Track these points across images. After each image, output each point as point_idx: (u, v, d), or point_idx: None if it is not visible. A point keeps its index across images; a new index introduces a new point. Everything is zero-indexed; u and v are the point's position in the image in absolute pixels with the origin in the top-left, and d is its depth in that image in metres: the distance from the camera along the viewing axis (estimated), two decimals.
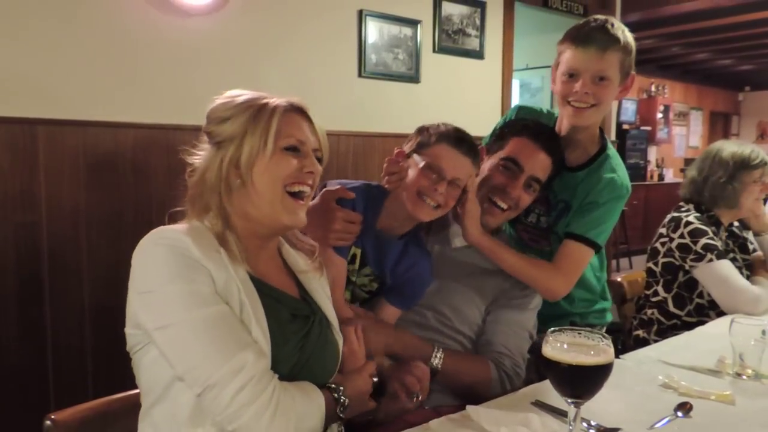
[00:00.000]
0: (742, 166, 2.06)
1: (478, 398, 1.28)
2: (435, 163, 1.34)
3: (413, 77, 3.16)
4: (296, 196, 1.07)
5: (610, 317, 1.88)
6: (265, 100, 1.07)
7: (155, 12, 2.36)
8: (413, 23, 3.13)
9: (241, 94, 1.08)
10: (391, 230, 1.42)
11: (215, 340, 0.93)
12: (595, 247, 1.56)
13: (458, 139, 1.38)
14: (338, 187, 1.35)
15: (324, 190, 1.34)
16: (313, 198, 1.20)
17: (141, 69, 2.35)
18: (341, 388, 1.08)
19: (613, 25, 1.54)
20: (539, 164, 1.52)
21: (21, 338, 2.14)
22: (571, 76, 1.55)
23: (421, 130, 1.42)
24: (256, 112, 1.05)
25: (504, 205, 1.51)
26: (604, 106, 1.57)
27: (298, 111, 1.09)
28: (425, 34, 3.19)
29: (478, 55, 3.45)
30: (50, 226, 2.17)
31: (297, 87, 2.74)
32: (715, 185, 2.07)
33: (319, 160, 1.11)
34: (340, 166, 2.91)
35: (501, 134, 1.60)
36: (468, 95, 3.40)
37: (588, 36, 1.52)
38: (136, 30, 2.33)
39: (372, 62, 2.98)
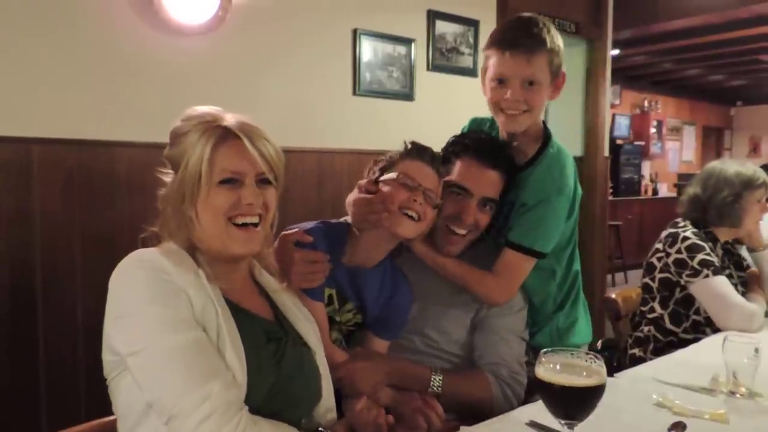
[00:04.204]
0: (748, 185, 2.07)
1: (481, 413, 1.28)
2: (406, 175, 1.36)
3: (407, 95, 3.18)
4: (243, 226, 1.04)
5: (585, 339, 1.72)
6: (196, 131, 1.03)
7: (151, 31, 2.37)
8: (407, 42, 3.15)
9: (181, 120, 1.07)
10: (363, 263, 1.41)
11: (184, 368, 0.91)
12: (534, 254, 1.49)
13: (419, 150, 1.41)
14: (295, 230, 1.34)
15: (281, 234, 1.32)
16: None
17: (136, 88, 2.36)
18: None
19: (538, 24, 1.48)
20: (488, 184, 1.48)
21: (13, 357, 2.12)
22: (501, 82, 1.50)
23: (377, 160, 1.44)
24: (194, 143, 1.02)
25: (462, 231, 1.48)
26: (537, 109, 1.53)
27: (234, 137, 1.03)
28: (419, 53, 3.21)
29: (472, 72, 3.47)
30: (44, 244, 2.17)
31: (292, 105, 2.76)
32: (723, 204, 2.06)
33: (270, 182, 1.07)
34: (335, 184, 2.91)
35: (445, 156, 1.54)
36: (462, 113, 3.37)
37: (514, 40, 1.47)
38: (132, 49, 2.34)
39: (366, 80, 3.00)
